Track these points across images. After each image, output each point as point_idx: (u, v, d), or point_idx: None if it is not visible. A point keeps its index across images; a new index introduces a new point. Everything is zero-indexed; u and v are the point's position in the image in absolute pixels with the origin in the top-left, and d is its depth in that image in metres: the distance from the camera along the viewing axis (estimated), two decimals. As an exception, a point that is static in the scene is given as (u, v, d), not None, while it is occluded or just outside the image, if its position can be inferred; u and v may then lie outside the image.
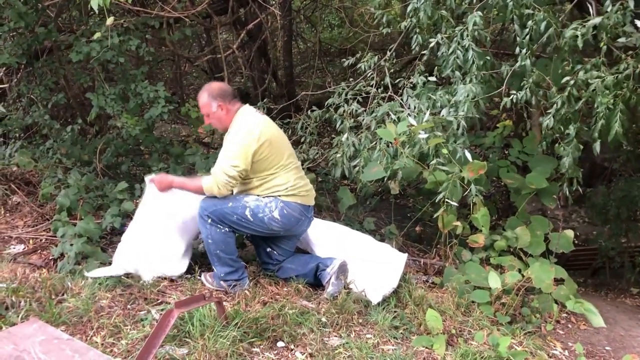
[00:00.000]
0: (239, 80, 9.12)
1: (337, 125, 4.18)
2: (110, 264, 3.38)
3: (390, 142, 3.72)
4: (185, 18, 4.56)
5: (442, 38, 3.60)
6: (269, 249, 3.44)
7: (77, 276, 3.19)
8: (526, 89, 3.43)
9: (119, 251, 3.31)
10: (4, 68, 4.83)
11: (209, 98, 3.22)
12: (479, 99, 3.45)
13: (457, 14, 3.74)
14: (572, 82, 3.23)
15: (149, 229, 3.31)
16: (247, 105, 3.33)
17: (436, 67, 3.79)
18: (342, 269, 3.31)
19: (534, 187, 4.03)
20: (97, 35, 3.65)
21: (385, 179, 3.95)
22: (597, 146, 3.22)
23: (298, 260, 3.47)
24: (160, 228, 3.31)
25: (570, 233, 3.88)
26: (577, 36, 3.10)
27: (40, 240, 3.69)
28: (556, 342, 3.31)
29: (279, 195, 3.20)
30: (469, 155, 3.50)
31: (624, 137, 3.10)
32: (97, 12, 2.84)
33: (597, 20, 3.07)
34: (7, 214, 4.08)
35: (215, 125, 3.33)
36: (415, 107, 3.72)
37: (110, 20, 3.35)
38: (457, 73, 3.54)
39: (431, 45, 3.68)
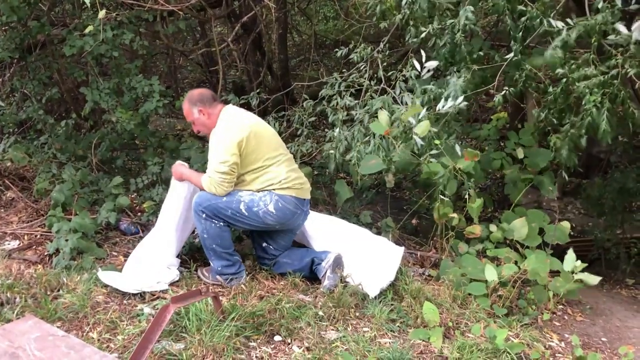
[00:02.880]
0: (233, 74, 9.07)
1: (330, 118, 4.17)
2: (107, 257, 3.37)
3: (384, 136, 3.71)
4: (179, 11, 4.52)
5: (433, 29, 3.60)
6: (264, 244, 3.43)
7: (73, 272, 3.18)
8: (520, 84, 3.46)
9: (136, 261, 3.25)
10: (-3, 63, 4.80)
11: (189, 105, 3.27)
12: (470, 93, 3.46)
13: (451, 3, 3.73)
14: (564, 80, 3.26)
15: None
16: (229, 105, 3.35)
17: (426, 56, 3.78)
18: (338, 262, 3.31)
19: (535, 170, 4.08)
20: (90, 28, 3.61)
21: (383, 172, 3.95)
22: (583, 141, 3.35)
23: (294, 255, 3.46)
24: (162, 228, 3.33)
25: (566, 224, 3.88)
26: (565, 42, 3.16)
27: (35, 236, 3.67)
28: (552, 333, 3.32)
29: (273, 189, 3.19)
30: (458, 149, 3.55)
31: (612, 134, 3.16)
32: (89, 5, 2.81)
33: (573, 30, 3.11)
34: (2, 210, 4.06)
35: (203, 131, 3.32)
36: (410, 102, 3.71)
37: (102, 14, 3.32)
38: (442, 63, 3.57)
39: (422, 35, 3.67)
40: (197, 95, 3.27)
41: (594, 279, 3.23)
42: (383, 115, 3.49)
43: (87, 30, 3.63)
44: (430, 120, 3.45)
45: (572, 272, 3.26)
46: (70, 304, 2.81)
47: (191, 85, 9.69)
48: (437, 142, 3.48)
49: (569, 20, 3.20)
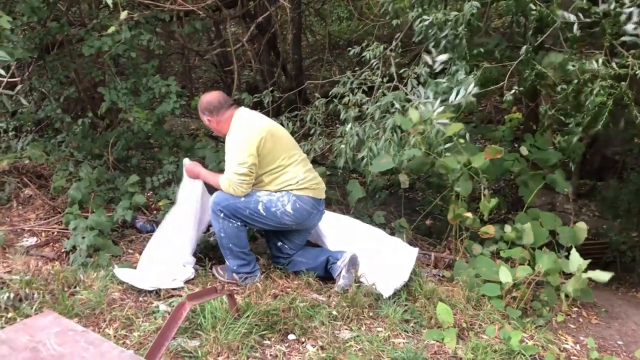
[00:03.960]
0: (248, 74, 9.12)
1: (341, 115, 4.17)
2: (123, 255, 3.40)
3: (396, 132, 3.69)
4: (198, 11, 4.54)
5: (436, 18, 3.59)
6: (279, 243, 3.45)
7: (89, 269, 3.22)
8: (529, 81, 3.47)
9: (149, 259, 3.29)
10: (16, 62, 4.84)
11: (200, 112, 3.36)
12: (482, 91, 3.46)
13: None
14: (575, 80, 3.26)
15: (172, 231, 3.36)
16: (242, 108, 3.36)
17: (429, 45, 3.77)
18: (353, 262, 3.32)
19: (547, 169, 4.04)
20: (112, 29, 3.65)
21: (394, 170, 3.94)
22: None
23: (308, 254, 3.48)
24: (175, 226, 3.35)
25: (582, 225, 3.84)
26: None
27: (53, 233, 3.71)
28: (567, 336, 3.30)
29: (291, 190, 3.21)
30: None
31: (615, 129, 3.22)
32: (111, 6, 2.84)
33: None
34: (20, 207, 4.11)
35: (217, 133, 3.42)
36: (424, 94, 3.69)
37: (124, 15, 3.35)
38: (442, 56, 3.56)
39: (425, 23, 3.65)
40: (205, 103, 3.30)
41: (604, 276, 3.18)
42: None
43: (109, 31, 3.67)
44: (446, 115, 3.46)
45: (581, 272, 3.22)
46: (86, 301, 2.84)
47: (205, 85, 9.76)
48: (461, 141, 3.49)
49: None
